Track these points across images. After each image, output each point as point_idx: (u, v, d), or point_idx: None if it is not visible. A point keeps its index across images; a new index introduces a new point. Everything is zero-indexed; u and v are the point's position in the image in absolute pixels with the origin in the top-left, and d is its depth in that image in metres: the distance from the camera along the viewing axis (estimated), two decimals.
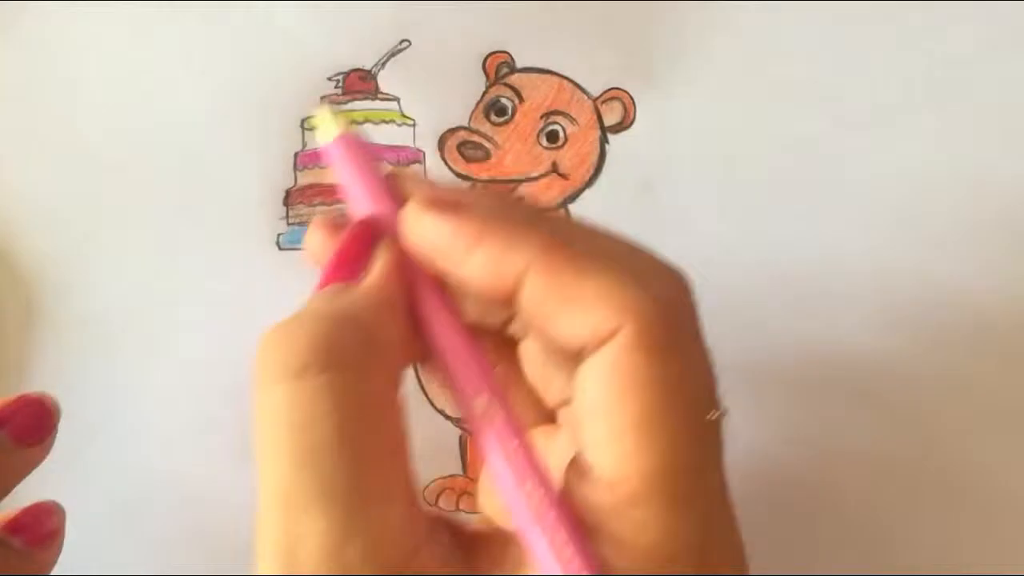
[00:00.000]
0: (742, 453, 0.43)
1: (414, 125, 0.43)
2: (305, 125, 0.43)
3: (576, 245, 0.25)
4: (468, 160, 0.43)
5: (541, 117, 0.43)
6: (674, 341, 0.24)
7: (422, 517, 0.24)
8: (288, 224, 0.43)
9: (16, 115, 0.44)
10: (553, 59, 0.43)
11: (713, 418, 0.25)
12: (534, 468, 0.25)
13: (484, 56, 0.43)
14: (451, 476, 0.44)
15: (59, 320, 0.43)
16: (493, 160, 0.43)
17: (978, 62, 0.42)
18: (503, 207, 0.27)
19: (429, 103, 0.43)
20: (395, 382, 0.25)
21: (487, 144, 0.43)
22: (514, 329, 0.29)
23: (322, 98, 0.43)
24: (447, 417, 0.44)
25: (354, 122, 0.43)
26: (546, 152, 0.43)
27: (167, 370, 0.43)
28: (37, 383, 0.42)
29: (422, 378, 0.41)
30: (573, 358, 0.25)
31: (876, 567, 0.41)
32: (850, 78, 0.43)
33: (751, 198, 0.43)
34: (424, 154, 0.43)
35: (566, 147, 0.43)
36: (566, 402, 0.29)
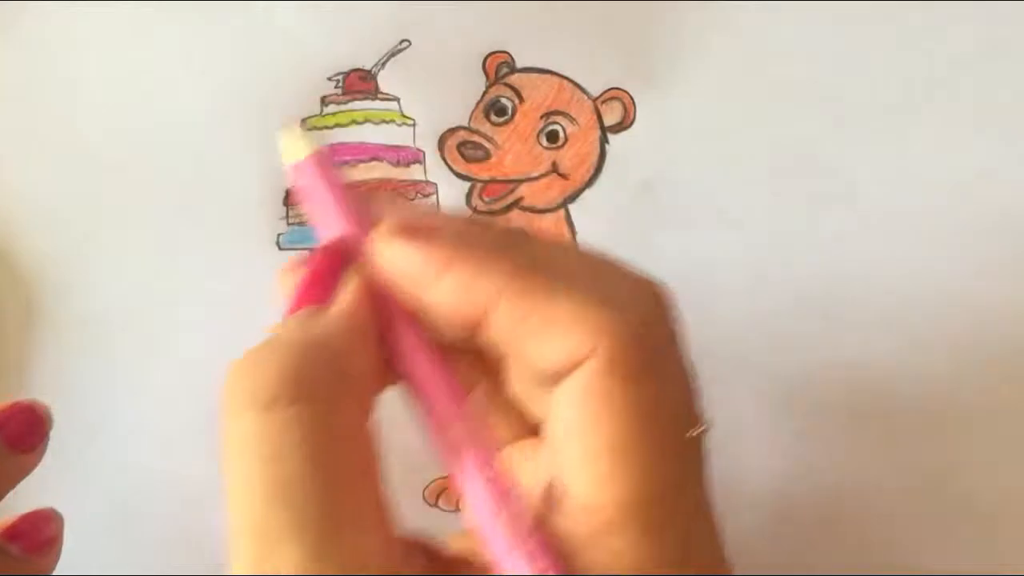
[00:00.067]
0: (741, 442, 0.43)
1: (414, 125, 0.43)
2: (305, 125, 0.43)
3: (548, 268, 0.25)
4: (468, 160, 0.43)
5: (541, 117, 0.43)
6: (648, 363, 0.24)
7: (397, 543, 0.24)
8: (288, 224, 0.43)
9: (16, 115, 0.44)
10: (553, 59, 0.43)
11: (694, 435, 0.25)
12: (510, 498, 0.25)
13: (484, 56, 0.43)
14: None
15: (59, 320, 0.43)
16: (493, 160, 0.43)
17: (978, 62, 0.42)
18: (473, 232, 0.26)
19: (429, 103, 0.43)
20: (366, 411, 0.25)
21: (487, 144, 0.43)
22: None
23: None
24: None
25: (354, 122, 0.43)
26: (546, 152, 0.43)
27: (167, 370, 0.43)
28: (37, 383, 0.42)
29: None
30: (548, 381, 0.25)
31: None
32: (850, 78, 0.43)
33: (751, 198, 0.43)
34: (424, 154, 0.43)
35: (566, 147, 0.43)
36: None
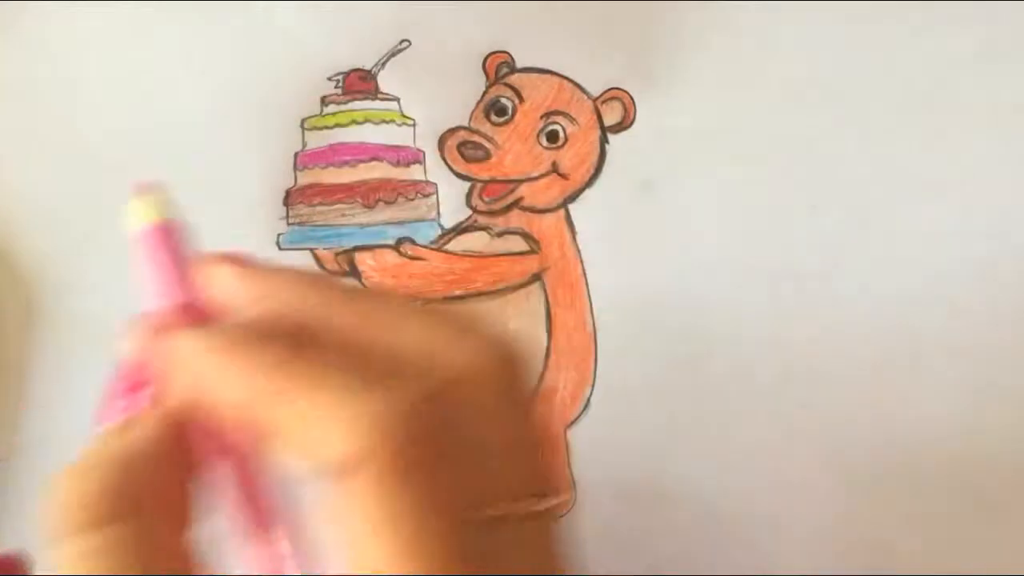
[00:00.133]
0: (738, 447, 0.43)
1: (414, 125, 0.43)
2: (305, 125, 0.43)
3: (324, 352, 0.23)
4: (468, 160, 0.43)
5: (541, 117, 0.43)
6: (417, 457, 0.21)
7: None
8: (288, 224, 0.43)
9: (16, 115, 0.44)
10: (553, 59, 0.43)
11: (492, 514, 0.22)
12: None
13: (484, 56, 0.43)
14: None
15: (59, 320, 0.43)
16: (493, 160, 0.43)
17: (978, 62, 0.42)
18: (257, 324, 0.24)
19: (429, 103, 0.43)
20: (182, 524, 0.24)
21: (487, 144, 0.43)
22: None
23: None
24: None
25: (354, 122, 0.43)
26: (546, 152, 0.43)
27: None
28: (37, 383, 0.42)
29: None
30: (326, 477, 0.23)
31: None
32: (850, 78, 0.43)
33: (751, 198, 0.43)
34: (424, 154, 0.43)
35: (566, 147, 0.43)
36: None
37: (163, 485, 0.24)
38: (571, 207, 0.43)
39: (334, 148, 0.43)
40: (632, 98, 0.43)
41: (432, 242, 0.43)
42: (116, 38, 0.44)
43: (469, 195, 0.43)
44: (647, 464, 0.44)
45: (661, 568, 0.44)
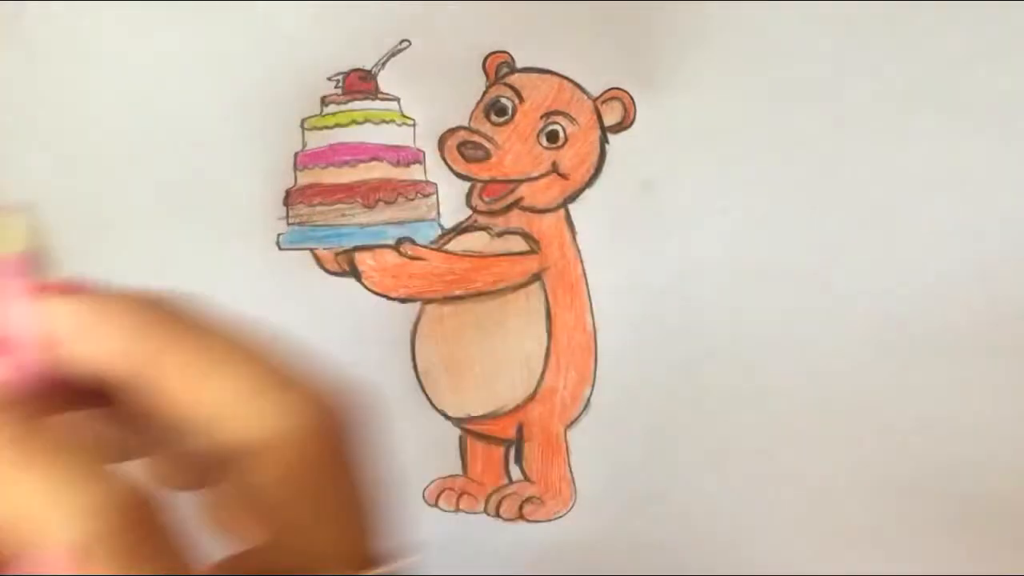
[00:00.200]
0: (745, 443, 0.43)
1: (414, 125, 0.43)
2: (305, 125, 0.43)
3: (61, 429, 0.22)
4: (468, 160, 0.43)
5: (541, 117, 0.43)
6: (137, 546, 0.21)
7: None
8: (288, 224, 0.43)
9: (16, 115, 0.44)
10: (553, 59, 0.43)
11: None
12: None
13: (484, 56, 0.43)
14: (451, 476, 0.44)
15: None
16: (493, 160, 0.43)
17: (978, 62, 0.42)
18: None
19: (429, 103, 0.43)
20: None
21: (487, 144, 0.43)
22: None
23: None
24: (447, 417, 0.44)
25: (354, 122, 0.43)
26: (546, 152, 0.43)
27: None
28: None
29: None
30: None
31: None
32: (850, 78, 0.43)
33: (751, 198, 0.43)
34: (424, 154, 0.43)
35: (566, 147, 0.43)
36: None
37: None
38: (571, 207, 0.43)
39: (334, 148, 0.43)
40: (632, 98, 0.43)
41: (432, 242, 0.43)
42: (116, 38, 0.44)
43: (469, 195, 0.43)
44: (647, 464, 0.44)
45: (661, 569, 0.44)
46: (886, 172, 0.42)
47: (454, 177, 0.43)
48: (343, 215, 0.43)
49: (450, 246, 0.43)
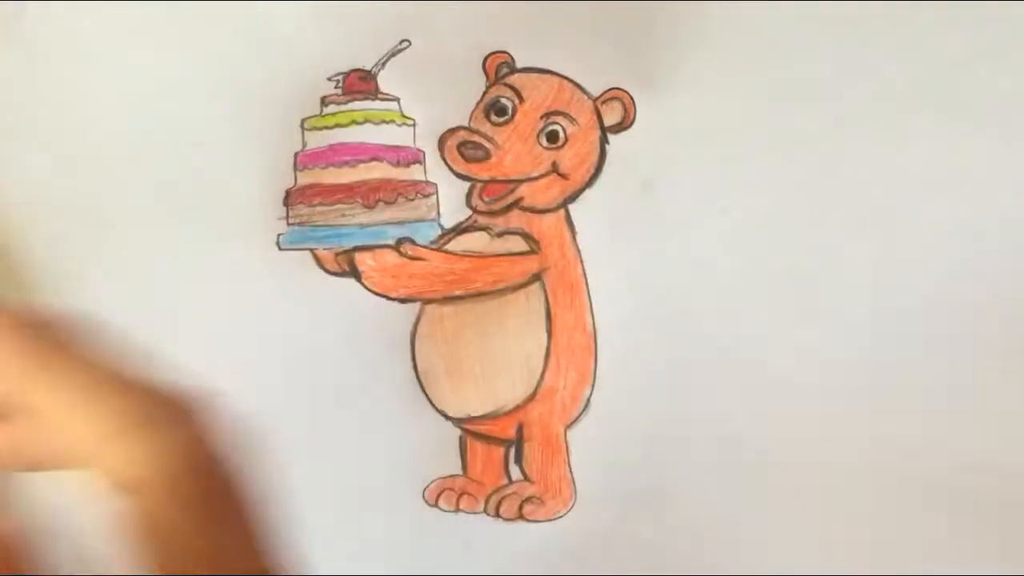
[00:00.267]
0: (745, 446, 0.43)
1: (414, 125, 0.43)
2: (305, 125, 0.43)
3: None
4: (468, 160, 0.43)
5: (541, 117, 0.43)
6: None
7: None
8: (288, 224, 0.43)
9: (16, 115, 0.44)
10: (553, 59, 0.43)
11: None
12: None
13: (484, 56, 0.43)
14: (451, 476, 0.44)
15: None
16: (493, 160, 0.43)
17: (978, 62, 0.42)
18: None
19: (429, 103, 0.43)
20: None
21: (487, 144, 0.43)
22: None
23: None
24: (447, 418, 0.44)
25: (354, 122, 0.43)
26: (546, 152, 0.43)
27: (167, 369, 0.43)
28: None
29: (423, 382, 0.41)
30: None
31: None
32: (850, 78, 0.43)
33: (751, 198, 0.43)
34: (424, 154, 0.43)
35: (566, 147, 0.43)
36: None
37: None
38: (571, 207, 0.43)
39: (334, 148, 0.43)
40: (632, 98, 0.43)
41: (432, 242, 0.43)
42: (116, 38, 0.44)
43: (469, 195, 0.43)
44: (647, 464, 0.44)
45: (661, 568, 0.44)
46: (886, 172, 0.42)
47: (454, 177, 0.43)
48: (343, 215, 0.43)
49: (450, 246, 0.43)
